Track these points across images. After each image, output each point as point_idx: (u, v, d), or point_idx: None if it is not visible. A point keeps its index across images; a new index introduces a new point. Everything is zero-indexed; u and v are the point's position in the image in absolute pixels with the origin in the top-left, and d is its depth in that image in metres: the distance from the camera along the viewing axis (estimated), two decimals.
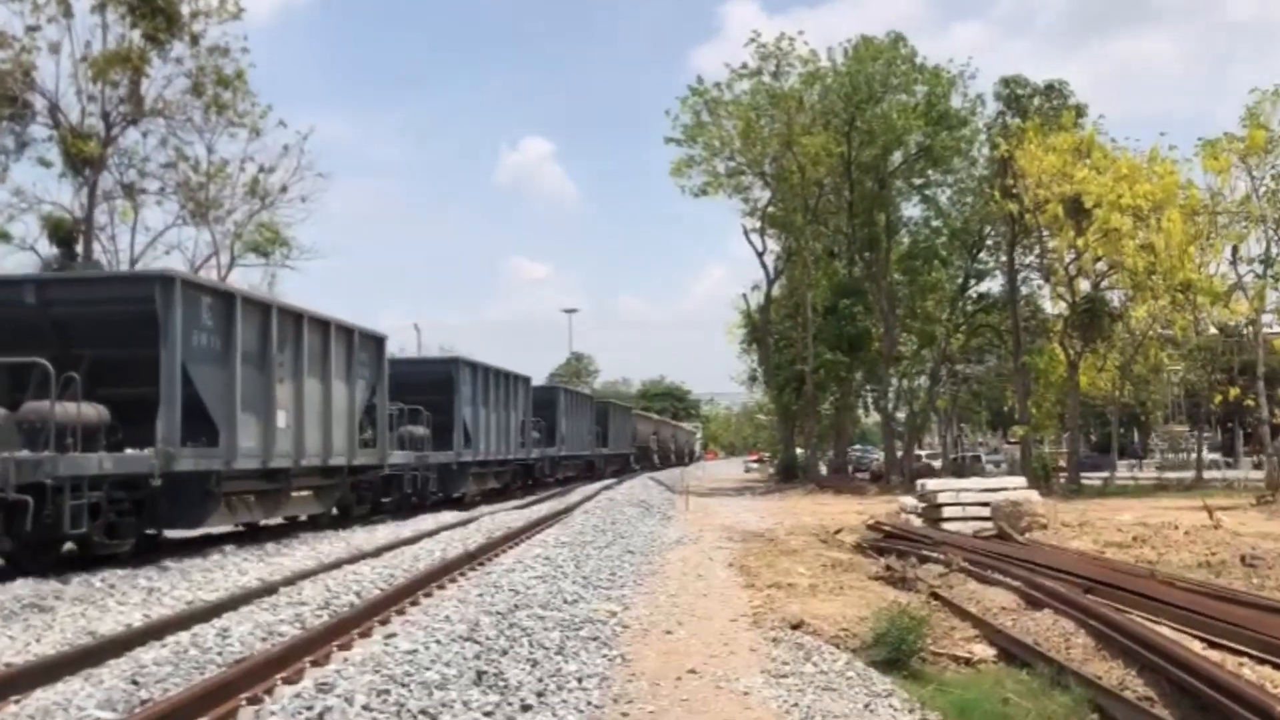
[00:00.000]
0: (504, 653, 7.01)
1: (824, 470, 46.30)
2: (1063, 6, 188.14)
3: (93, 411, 12.09)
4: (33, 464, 10.57)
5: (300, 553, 13.66)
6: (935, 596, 12.01)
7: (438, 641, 6.89)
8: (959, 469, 44.05)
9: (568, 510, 21.19)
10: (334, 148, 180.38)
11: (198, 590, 9.69)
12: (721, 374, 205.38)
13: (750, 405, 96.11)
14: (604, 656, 7.88)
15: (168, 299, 12.87)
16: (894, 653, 8.79)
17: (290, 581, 10.28)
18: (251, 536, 15.52)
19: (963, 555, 14.00)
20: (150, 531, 13.52)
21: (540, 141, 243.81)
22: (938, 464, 51.38)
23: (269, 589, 9.67)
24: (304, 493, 17.04)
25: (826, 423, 48.25)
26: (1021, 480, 22.02)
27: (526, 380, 32.46)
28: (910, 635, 8.84)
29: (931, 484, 21.42)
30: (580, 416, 42.30)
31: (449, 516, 20.45)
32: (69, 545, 12.07)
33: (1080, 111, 37.16)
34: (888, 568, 14.69)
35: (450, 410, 24.22)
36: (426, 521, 19.15)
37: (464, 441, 24.70)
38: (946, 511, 19.83)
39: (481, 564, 12.46)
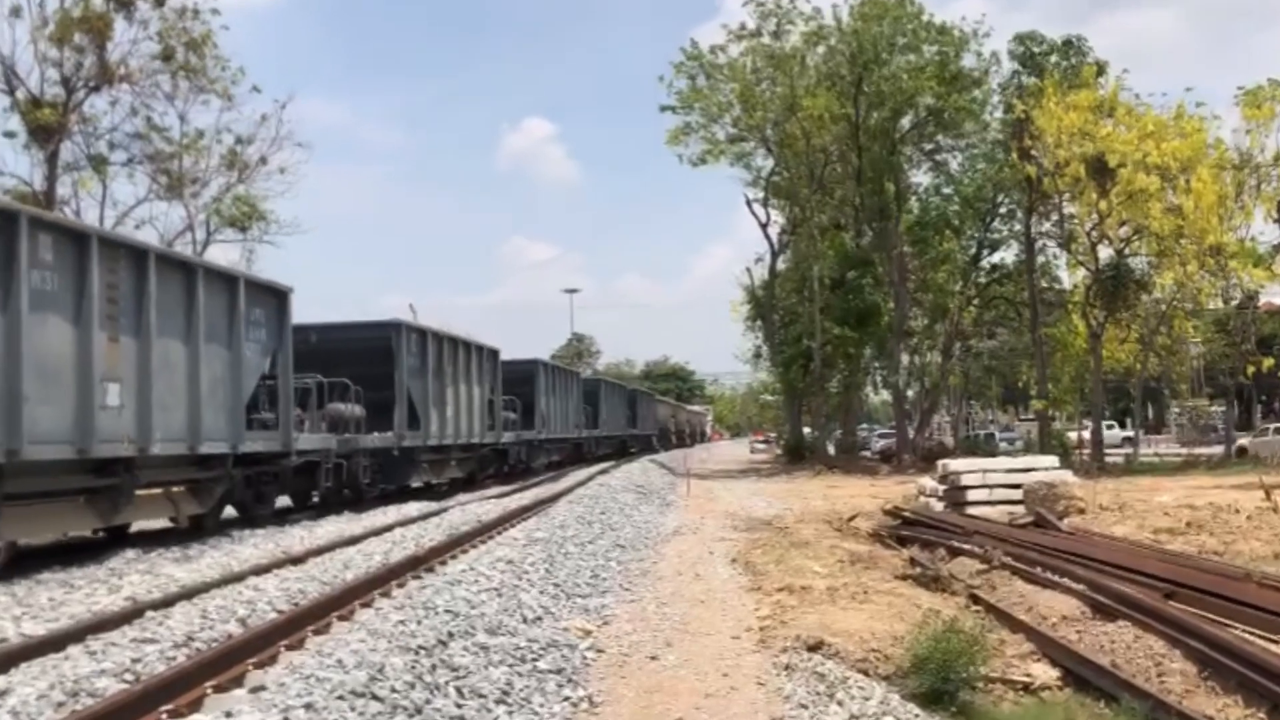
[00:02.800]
0: (416, 712, 5.06)
1: (831, 450, 44.44)
2: None
3: (359, 410, 18.20)
4: (345, 440, 17.46)
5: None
6: (976, 600, 10.15)
7: (308, 705, 4.80)
8: (972, 447, 42.13)
9: (554, 498, 19.32)
10: (332, 131, 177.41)
11: (34, 620, 7.26)
12: (725, 354, 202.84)
13: (755, 385, 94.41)
14: (565, 700, 6.01)
15: (398, 338, 19.66)
16: (939, 682, 6.95)
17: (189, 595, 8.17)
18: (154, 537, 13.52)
19: (1002, 547, 12.13)
20: (382, 485, 19.58)
21: (541, 122, 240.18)
22: (949, 442, 49.53)
23: (133, 612, 7.28)
24: (453, 462, 23.33)
25: (835, 401, 46.31)
26: (1053, 459, 20.19)
27: (577, 375, 41.75)
28: (960, 660, 6.98)
29: (954, 464, 19.57)
30: (618, 405, 49.78)
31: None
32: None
33: (1101, 69, 34.90)
34: (914, 562, 12.84)
35: (531, 398, 30.49)
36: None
37: (541, 423, 31.13)
38: (971, 495, 18.08)
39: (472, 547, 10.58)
